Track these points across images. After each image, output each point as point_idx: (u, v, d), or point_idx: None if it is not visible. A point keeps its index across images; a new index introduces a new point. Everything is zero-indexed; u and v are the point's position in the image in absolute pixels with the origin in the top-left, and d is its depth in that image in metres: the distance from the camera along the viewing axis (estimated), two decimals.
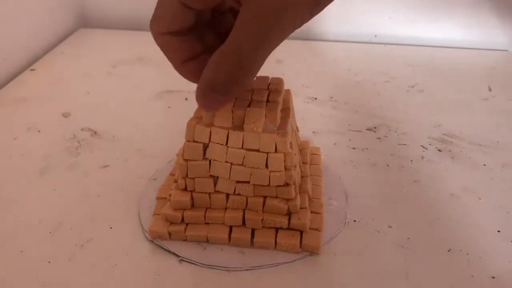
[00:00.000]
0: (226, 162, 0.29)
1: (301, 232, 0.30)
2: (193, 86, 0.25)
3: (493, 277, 0.28)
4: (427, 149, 0.40)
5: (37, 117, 0.45)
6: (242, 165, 0.29)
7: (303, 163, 0.35)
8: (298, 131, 0.35)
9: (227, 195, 0.30)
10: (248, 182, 0.29)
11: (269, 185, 0.29)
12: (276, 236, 0.30)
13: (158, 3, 0.25)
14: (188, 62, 0.26)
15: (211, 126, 0.28)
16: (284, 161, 0.28)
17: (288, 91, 0.33)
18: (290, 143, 0.29)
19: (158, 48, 0.27)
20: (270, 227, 0.30)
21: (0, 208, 0.34)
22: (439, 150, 0.40)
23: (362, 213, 0.33)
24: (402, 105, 0.48)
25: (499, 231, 0.32)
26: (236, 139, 0.28)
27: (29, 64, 0.56)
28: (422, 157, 0.39)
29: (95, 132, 0.43)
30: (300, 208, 0.30)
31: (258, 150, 0.28)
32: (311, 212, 0.31)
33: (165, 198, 0.33)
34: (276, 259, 0.29)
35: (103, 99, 0.49)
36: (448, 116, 0.46)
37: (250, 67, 0.23)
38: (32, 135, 0.43)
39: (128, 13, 0.67)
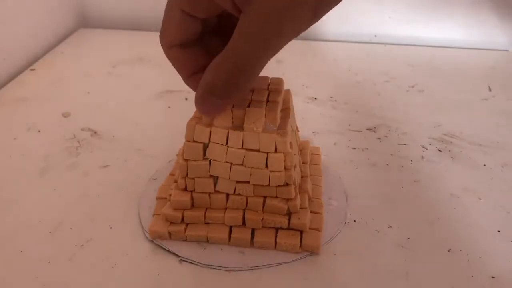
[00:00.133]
0: (226, 162, 0.29)
1: (301, 232, 0.30)
2: None
3: (493, 277, 0.28)
4: (427, 149, 0.40)
5: (37, 117, 0.45)
6: (242, 165, 0.29)
7: (303, 163, 0.35)
8: (298, 131, 0.35)
9: (227, 195, 0.30)
10: (248, 182, 0.29)
11: (269, 185, 0.29)
12: (276, 236, 0.30)
13: (164, 17, 0.26)
14: (196, 75, 0.27)
15: (211, 126, 0.28)
16: (284, 161, 0.28)
17: (288, 91, 0.33)
18: (290, 143, 0.29)
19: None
20: (270, 227, 0.30)
21: (0, 208, 0.34)
22: (439, 150, 0.40)
23: (362, 213, 0.33)
24: (402, 105, 0.48)
25: (499, 231, 0.32)
26: (236, 139, 0.28)
27: (29, 64, 0.56)
28: (422, 157, 0.39)
29: (95, 132, 0.43)
30: (300, 208, 0.30)
31: (258, 150, 0.28)
32: (311, 212, 0.31)
33: (165, 198, 0.33)
34: (276, 259, 0.29)
35: (103, 99, 0.49)
36: (448, 116, 0.46)
37: (249, 72, 0.23)
38: (32, 135, 0.43)
39: (128, 13, 0.67)
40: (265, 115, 0.28)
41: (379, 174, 0.37)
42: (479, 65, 0.57)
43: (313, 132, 0.43)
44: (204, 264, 0.29)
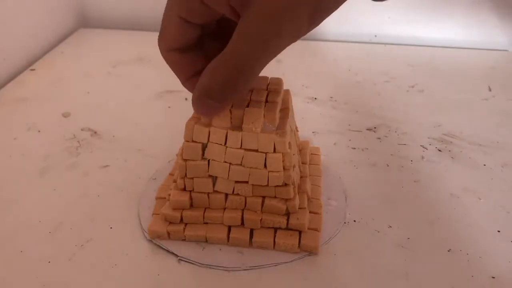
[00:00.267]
0: (225, 162, 0.29)
1: (300, 232, 0.30)
2: None
3: (493, 277, 0.28)
4: (427, 149, 0.40)
5: (37, 117, 0.45)
6: (240, 165, 0.29)
7: (302, 163, 0.35)
8: (297, 131, 0.35)
9: (226, 195, 0.30)
10: (247, 182, 0.29)
11: (267, 185, 0.29)
12: (274, 236, 0.30)
13: (162, 21, 0.26)
14: (195, 78, 0.27)
15: (210, 126, 0.28)
16: (282, 161, 0.28)
17: (287, 91, 0.33)
18: (289, 143, 0.29)
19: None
20: (268, 227, 0.30)
21: (0, 208, 0.34)
22: (439, 150, 0.40)
23: (362, 213, 0.33)
24: (402, 105, 0.48)
25: (499, 231, 0.32)
26: (235, 139, 0.28)
27: (29, 64, 0.56)
28: (422, 157, 0.39)
29: (95, 132, 0.43)
30: (299, 208, 0.30)
31: (256, 150, 0.28)
32: (310, 212, 0.31)
33: (165, 198, 0.33)
34: (274, 259, 0.29)
35: (103, 99, 0.49)
36: (448, 116, 0.46)
37: (248, 74, 0.23)
38: (32, 135, 0.43)
39: (128, 13, 0.68)
40: (264, 115, 0.28)
41: (379, 174, 0.37)
42: (479, 65, 0.57)
43: (313, 132, 0.43)
44: (203, 264, 0.29)
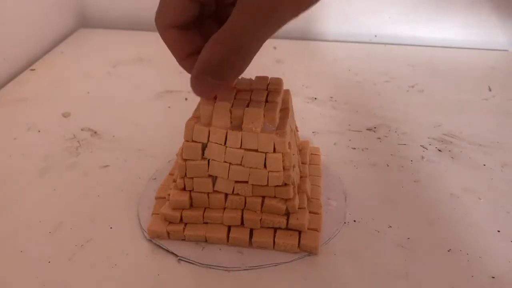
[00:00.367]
0: (225, 162, 0.29)
1: (300, 232, 0.30)
2: None
3: (493, 277, 0.28)
4: (427, 149, 0.40)
5: (37, 117, 0.45)
6: (240, 165, 0.29)
7: (302, 163, 0.35)
8: (297, 131, 0.35)
9: (226, 195, 0.30)
10: (247, 182, 0.29)
11: (267, 185, 0.29)
12: (274, 236, 0.30)
13: None
14: (192, 57, 0.26)
15: (210, 126, 0.28)
16: (282, 161, 0.28)
17: (287, 91, 0.33)
18: (289, 143, 0.29)
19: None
20: (268, 227, 0.30)
21: (0, 208, 0.34)
22: (439, 150, 0.40)
23: (362, 213, 0.33)
24: (402, 105, 0.48)
25: (499, 231, 0.32)
26: (235, 139, 0.28)
27: (29, 64, 0.56)
28: (422, 157, 0.39)
29: (95, 132, 0.43)
30: (298, 208, 0.30)
31: (256, 150, 0.28)
32: (310, 212, 0.31)
33: (164, 198, 0.33)
34: (274, 259, 0.29)
35: (103, 99, 0.49)
36: (448, 116, 0.46)
37: (246, 51, 0.23)
38: (32, 135, 0.43)
39: (128, 13, 0.68)
40: (264, 115, 0.28)
41: (379, 174, 0.37)
42: (479, 65, 0.57)
43: (313, 132, 0.43)
44: (202, 264, 0.29)
